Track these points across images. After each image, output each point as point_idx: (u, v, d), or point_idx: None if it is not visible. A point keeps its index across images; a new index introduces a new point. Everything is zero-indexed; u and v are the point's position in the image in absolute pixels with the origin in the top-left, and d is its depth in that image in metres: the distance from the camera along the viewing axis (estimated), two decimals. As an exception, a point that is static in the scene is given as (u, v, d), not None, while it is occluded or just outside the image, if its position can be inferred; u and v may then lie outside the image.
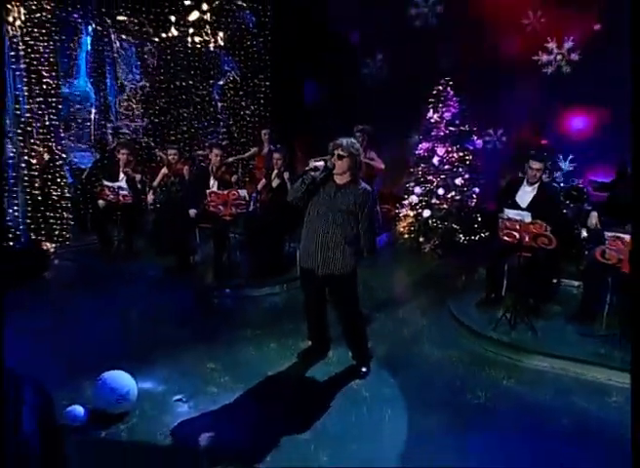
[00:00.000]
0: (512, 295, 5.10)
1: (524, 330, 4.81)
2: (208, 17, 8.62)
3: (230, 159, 7.83)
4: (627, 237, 4.26)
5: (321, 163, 4.09)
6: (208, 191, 6.02)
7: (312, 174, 4.09)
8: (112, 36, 8.64)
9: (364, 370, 4.34)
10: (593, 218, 5.12)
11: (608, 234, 4.39)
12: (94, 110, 8.62)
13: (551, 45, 7.73)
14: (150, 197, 7.25)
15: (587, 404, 3.98)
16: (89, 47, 8.48)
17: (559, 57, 7.70)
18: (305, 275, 4.32)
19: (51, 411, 3.45)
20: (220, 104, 8.80)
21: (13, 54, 6.73)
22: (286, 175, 6.44)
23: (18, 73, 6.84)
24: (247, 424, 3.75)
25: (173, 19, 8.64)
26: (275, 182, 6.58)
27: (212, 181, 6.63)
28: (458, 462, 3.33)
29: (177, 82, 8.50)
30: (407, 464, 3.31)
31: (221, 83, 8.85)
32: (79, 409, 3.67)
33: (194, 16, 8.95)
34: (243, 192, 5.94)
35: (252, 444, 3.55)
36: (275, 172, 6.60)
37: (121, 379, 3.78)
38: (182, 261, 6.56)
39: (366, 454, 3.39)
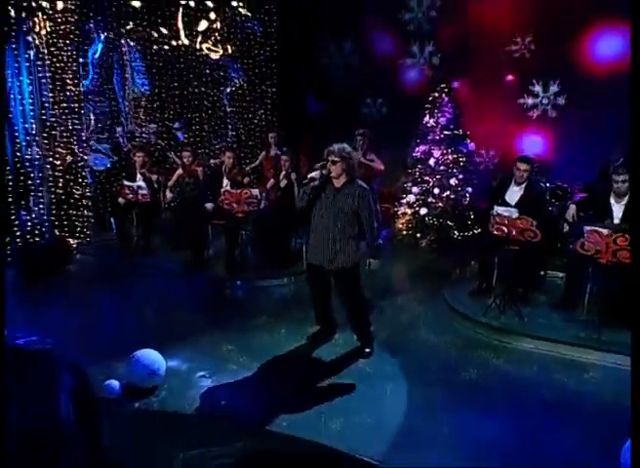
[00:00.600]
0: (502, 285, 5.48)
1: (512, 315, 5.19)
2: (218, 26, 8.99)
3: (247, 168, 8.19)
4: (604, 231, 4.65)
5: (317, 173, 4.49)
6: (222, 190, 6.40)
7: (312, 184, 4.48)
8: (125, 45, 9.00)
9: (367, 350, 4.72)
10: (571, 210, 5.51)
11: (586, 228, 4.78)
12: (108, 115, 9.00)
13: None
14: (169, 195, 7.58)
15: (567, 379, 4.37)
16: (102, 55, 8.83)
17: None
18: (313, 270, 4.69)
19: (87, 388, 3.83)
20: (229, 109, 9.18)
21: (39, 63, 7.09)
22: (293, 176, 6.81)
23: (44, 81, 7.20)
24: (263, 397, 4.13)
25: (182, 28, 9.02)
26: (283, 183, 6.95)
27: (225, 181, 7.02)
28: (452, 431, 3.70)
29: (189, 88, 8.90)
30: (407, 433, 3.69)
31: (230, 90, 9.23)
32: (115, 384, 4.06)
33: (203, 25, 9.33)
34: (255, 192, 6.33)
35: (268, 414, 3.92)
36: (283, 173, 6.98)
37: (152, 357, 4.16)
38: (198, 256, 6.93)
39: (370, 424, 3.77)
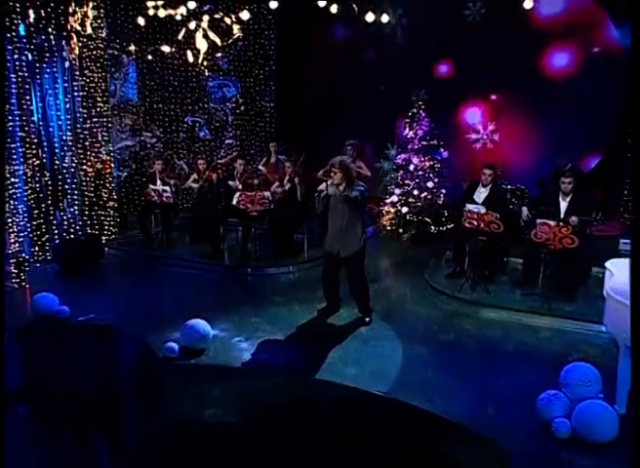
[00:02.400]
0: (472, 268, 6.49)
1: (481, 291, 6.21)
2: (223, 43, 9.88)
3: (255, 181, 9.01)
4: (551, 222, 5.69)
5: (323, 185, 5.46)
6: (238, 192, 7.30)
7: (322, 194, 5.45)
8: (141, 64, 9.81)
9: (367, 319, 5.69)
10: (525, 211, 6.58)
11: (538, 221, 5.81)
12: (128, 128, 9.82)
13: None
14: (195, 185, 8.41)
15: (524, 338, 5.39)
16: (124, 74, 9.64)
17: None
18: (329, 256, 5.63)
19: (150, 353, 4.77)
20: (234, 123, 10.11)
21: (75, 84, 7.90)
22: (297, 180, 7.73)
23: (78, 99, 8.01)
24: (288, 353, 5.06)
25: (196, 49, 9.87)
26: (287, 185, 7.88)
27: (237, 184, 7.91)
28: (436, 376, 4.68)
29: (199, 104, 9.80)
30: (402, 377, 4.65)
31: (232, 105, 10.14)
32: (174, 346, 4.96)
33: (204, 45, 10.15)
34: (267, 193, 7.24)
35: (289, 365, 4.85)
36: (287, 177, 7.91)
37: (201, 324, 5.06)
38: (215, 248, 7.80)
39: (375, 371, 4.73)
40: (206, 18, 9.53)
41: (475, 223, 6.12)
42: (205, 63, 9.96)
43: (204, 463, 3.64)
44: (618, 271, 4.25)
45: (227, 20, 9.66)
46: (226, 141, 10.26)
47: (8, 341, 5.24)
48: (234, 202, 7.38)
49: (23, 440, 3.84)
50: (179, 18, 9.06)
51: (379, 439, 3.77)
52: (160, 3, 8.83)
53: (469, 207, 6.20)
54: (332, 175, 5.36)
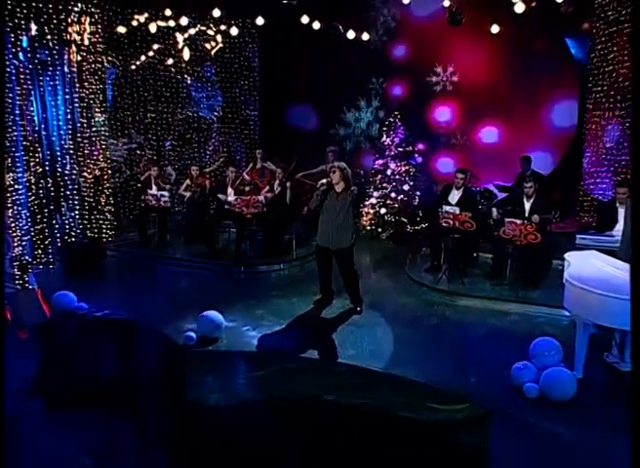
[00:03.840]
0: (448, 262, 7.27)
1: (457, 283, 6.99)
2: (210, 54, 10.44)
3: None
4: (518, 221, 6.50)
5: (324, 181, 6.13)
6: (235, 197, 7.91)
7: (322, 188, 6.12)
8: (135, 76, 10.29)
9: (359, 309, 6.38)
10: (494, 212, 7.41)
11: (506, 220, 6.62)
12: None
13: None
14: (187, 194, 8.97)
15: (495, 321, 6.18)
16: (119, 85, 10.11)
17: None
18: (321, 250, 6.29)
19: (170, 343, 5.37)
20: (221, 130, 10.69)
21: (77, 96, 8.37)
22: (288, 184, 8.38)
23: (78, 110, 8.47)
24: (292, 339, 5.71)
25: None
26: (277, 190, 8.52)
27: (229, 190, 8.52)
28: (423, 353, 5.40)
29: (188, 113, 10.36)
30: (392, 355, 5.35)
31: (218, 114, 10.72)
32: (192, 334, 5.54)
33: (187, 55, 10.67)
34: (261, 197, 7.88)
35: (296, 348, 5.51)
36: (277, 181, 8.55)
37: (215, 315, 5.66)
38: (211, 248, 8.38)
39: (370, 351, 5.43)
40: (192, 30, 10.10)
41: (451, 222, 6.89)
42: (190, 73, 10.51)
43: (224, 445, 4.20)
44: (574, 261, 5.07)
45: (211, 32, 10.25)
46: (209, 148, 10.82)
47: (31, 338, 5.78)
48: (229, 206, 8.00)
49: (53, 430, 4.39)
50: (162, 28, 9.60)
51: (377, 407, 4.46)
52: (146, 16, 9.39)
53: (446, 208, 6.97)
54: (331, 174, 6.04)
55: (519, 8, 7.02)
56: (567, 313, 5.95)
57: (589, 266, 4.93)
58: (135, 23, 9.34)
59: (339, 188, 6.08)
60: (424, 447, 3.77)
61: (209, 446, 4.11)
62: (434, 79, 10.10)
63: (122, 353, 5.45)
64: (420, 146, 9.73)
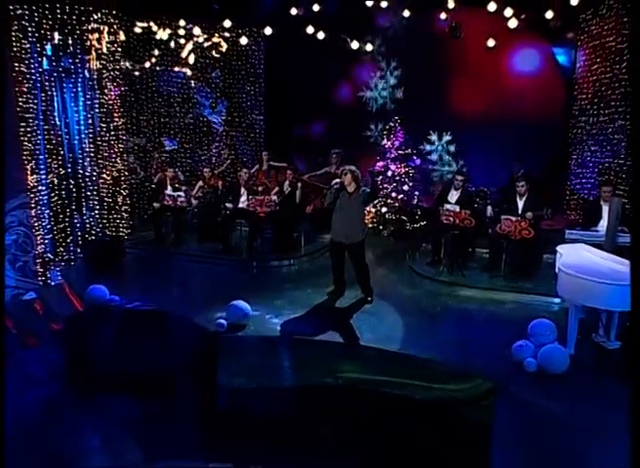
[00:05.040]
0: (449, 256, 7.90)
1: (457, 275, 7.63)
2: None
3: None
4: (513, 218, 7.15)
5: (337, 181, 6.72)
6: (250, 197, 8.48)
7: (335, 187, 6.71)
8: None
9: (369, 299, 6.98)
10: (489, 210, 8.09)
11: (502, 217, 7.28)
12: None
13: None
14: (194, 201, 9.54)
15: (494, 308, 6.83)
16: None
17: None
18: (335, 245, 6.88)
19: (203, 330, 5.93)
20: (228, 134, 11.27)
21: (97, 101, 8.87)
22: (299, 185, 8.96)
23: (98, 115, 8.97)
24: (311, 325, 6.28)
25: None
26: (287, 190, 9.10)
27: (242, 190, 9.08)
28: (431, 336, 6.02)
29: (200, 118, 10.93)
30: (401, 338, 5.96)
31: (225, 118, 11.28)
32: (223, 322, 6.09)
33: (192, 59, 11.19)
34: (274, 197, 8.45)
35: (317, 334, 6.08)
36: (287, 182, 9.13)
37: (243, 304, 6.22)
38: (226, 245, 8.93)
39: (381, 336, 6.01)
40: (201, 38, 10.65)
41: (452, 220, 7.53)
42: (199, 78, 11.06)
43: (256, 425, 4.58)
44: (566, 253, 5.73)
45: (218, 40, 10.80)
46: (214, 151, 11.36)
47: (65, 329, 6.23)
48: (243, 205, 8.59)
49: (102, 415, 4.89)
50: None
51: (395, 384, 5.04)
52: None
53: (447, 207, 7.60)
54: (343, 176, 6.63)
55: (512, 23, 7.66)
56: (557, 300, 6.66)
57: (579, 257, 5.60)
58: (148, 31, 9.88)
59: (350, 189, 6.66)
60: (438, 422, 4.29)
61: (238, 423, 4.58)
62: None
63: (160, 341, 5.97)
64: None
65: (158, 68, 10.67)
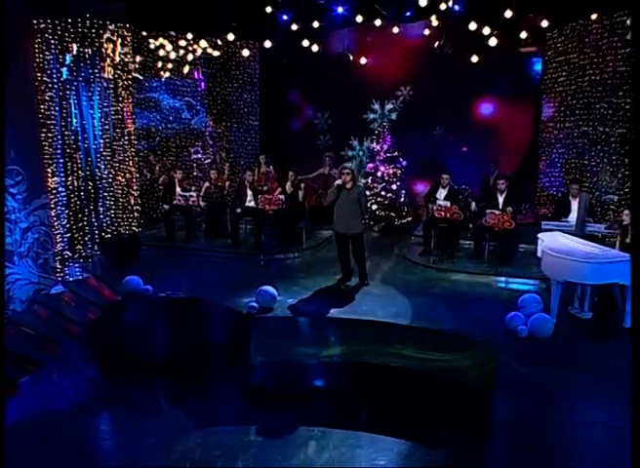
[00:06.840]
0: (440, 246, 8.93)
1: (448, 262, 8.66)
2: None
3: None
4: (496, 211, 8.23)
5: (339, 181, 7.64)
6: (258, 196, 9.33)
7: (336, 185, 7.62)
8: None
9: (366, 282, 7.92)
10: (472, 204, 9.17)
11: (487, 211, 8.36)
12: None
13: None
14: (202, 203, 10.30)
15: (483, 290, 7.86)
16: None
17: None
18: (339, 236, 7.79)
19: (235, 314, 6.78)
20: (227, 138, 12.08)
21: (112, 109, 9.55)
22: (302, 185, 9.84)
23: (112, 121, 9.64)
24: (329, 306, 7.14)
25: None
26: (290, 190, 9.97)
27: (248, 191, 9.91)
28: (433, 312, 6.99)
29: (205, 126, 11.72)
30: (399, 313, 6.89)
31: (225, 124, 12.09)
32: (255, 304, 6.92)
33: (186, 69, 11.95)
34: (282, 196, 9.31)
35: (335, 313, 6.98)
36: (289, 183, 10.00)
37: (271, 289, 7.07)
38: (235, 240, 9.73)
39: (392, 313, 6.95)
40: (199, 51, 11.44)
41: (443, 214, 8.56)
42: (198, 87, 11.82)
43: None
44: (546, 239, 6.82)
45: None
46: (211, 156, 12.15)
47: (106, 316, 6.90)
48: (250, 204, 9.43)
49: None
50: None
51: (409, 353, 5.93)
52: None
53: (440, 202, 8.63)
54: (343, 175, 7.54)
55: (492, 42, 8.76)
56: (533, 282, 7.77)
57: (557, 242, 6.69)
58: (157, 43, 10.62)
59: (349, 186, 7.58)
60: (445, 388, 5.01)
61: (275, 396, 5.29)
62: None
63: (198, 323, 6.68)
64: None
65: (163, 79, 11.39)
